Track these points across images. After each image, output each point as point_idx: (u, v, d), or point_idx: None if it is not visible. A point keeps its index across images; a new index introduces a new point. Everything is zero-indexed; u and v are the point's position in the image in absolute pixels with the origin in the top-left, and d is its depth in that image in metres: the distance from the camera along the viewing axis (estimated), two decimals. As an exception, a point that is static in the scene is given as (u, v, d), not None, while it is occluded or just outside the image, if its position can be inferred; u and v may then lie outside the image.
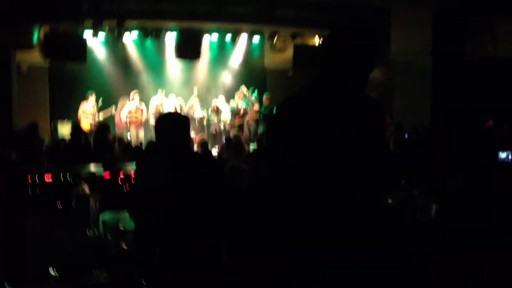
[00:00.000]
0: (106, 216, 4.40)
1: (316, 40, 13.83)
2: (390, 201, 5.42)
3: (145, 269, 3.47)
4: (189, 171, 3.34)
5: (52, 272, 3.34)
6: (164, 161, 3.34)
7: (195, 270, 3.21)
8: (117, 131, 13.04)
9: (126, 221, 4.36)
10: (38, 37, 11.77)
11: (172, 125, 3.42)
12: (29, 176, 5.56)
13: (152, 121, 13.04)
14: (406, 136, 10.45)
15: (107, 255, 3.76)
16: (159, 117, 3.65)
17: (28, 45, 11.61)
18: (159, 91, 13.79)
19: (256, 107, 13.69)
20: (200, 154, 3.89)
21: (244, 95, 13.82)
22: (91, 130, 12.21)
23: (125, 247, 3.86)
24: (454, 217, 2.54)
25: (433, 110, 11.04)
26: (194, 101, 14.01)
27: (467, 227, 2.44)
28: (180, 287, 3.23)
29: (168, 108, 13.50)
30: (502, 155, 6.97)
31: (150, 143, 8.20)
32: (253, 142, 11.99)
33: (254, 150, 9.47)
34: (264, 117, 13.60)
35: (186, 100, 14.26)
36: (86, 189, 4.36)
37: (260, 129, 13.65)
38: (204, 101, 14.58)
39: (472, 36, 10.82)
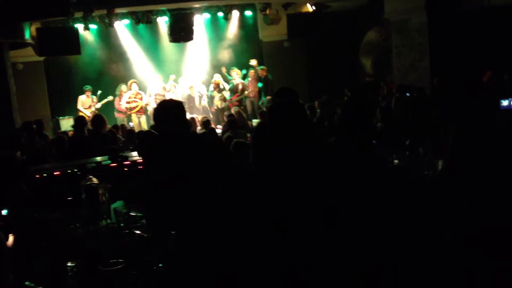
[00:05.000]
0: (116, 204, 4.43)
1: (309, 8, 13.64)
2: (396, 161, 5.46)
3: (160, 253, 3.51)
4: (190, 154, 3.39)
5: (70, 264, 3.39)
6: (167, 149, 3.40)
7: (211, 251, 3.25)
8: (117, 116, 13.17)
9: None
10: (30, 34, 11.70)
11: (166, 113, 3.45)
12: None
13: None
14: (408, 95, 10.38)
15: (122, 243, 3.81)
16: (156, 106, 3.67)
17: (21, 43, 11.55)
18: (157, 76, 13.90)
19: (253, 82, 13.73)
20: (197, 135, 3.93)
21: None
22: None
23: (138, 233, 3.90)
24: (455, 169, 2.53)
25: (432, 66, 10.91)
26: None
27: (470, 177, 2.43)
28: (197, 269, 3.27)
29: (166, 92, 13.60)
30: (504, 102, 6.99)
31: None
32: (255, 117, 11.96)
33: (258, 124, 9.45)
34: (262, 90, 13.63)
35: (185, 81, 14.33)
36: (94, 179, 4.39)
37: (259, 102, 13.63)
38: (205, 80, 14.61)
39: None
